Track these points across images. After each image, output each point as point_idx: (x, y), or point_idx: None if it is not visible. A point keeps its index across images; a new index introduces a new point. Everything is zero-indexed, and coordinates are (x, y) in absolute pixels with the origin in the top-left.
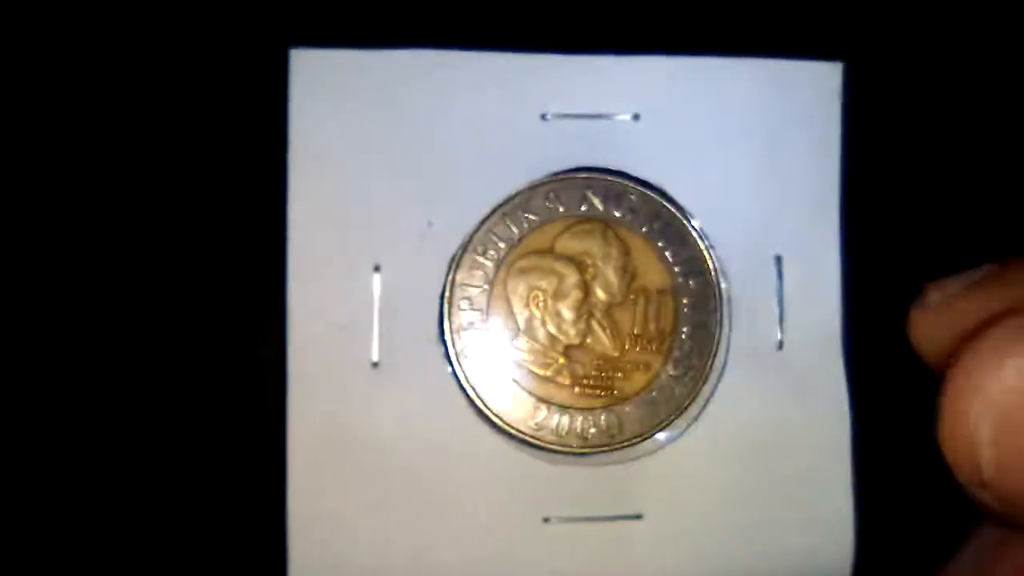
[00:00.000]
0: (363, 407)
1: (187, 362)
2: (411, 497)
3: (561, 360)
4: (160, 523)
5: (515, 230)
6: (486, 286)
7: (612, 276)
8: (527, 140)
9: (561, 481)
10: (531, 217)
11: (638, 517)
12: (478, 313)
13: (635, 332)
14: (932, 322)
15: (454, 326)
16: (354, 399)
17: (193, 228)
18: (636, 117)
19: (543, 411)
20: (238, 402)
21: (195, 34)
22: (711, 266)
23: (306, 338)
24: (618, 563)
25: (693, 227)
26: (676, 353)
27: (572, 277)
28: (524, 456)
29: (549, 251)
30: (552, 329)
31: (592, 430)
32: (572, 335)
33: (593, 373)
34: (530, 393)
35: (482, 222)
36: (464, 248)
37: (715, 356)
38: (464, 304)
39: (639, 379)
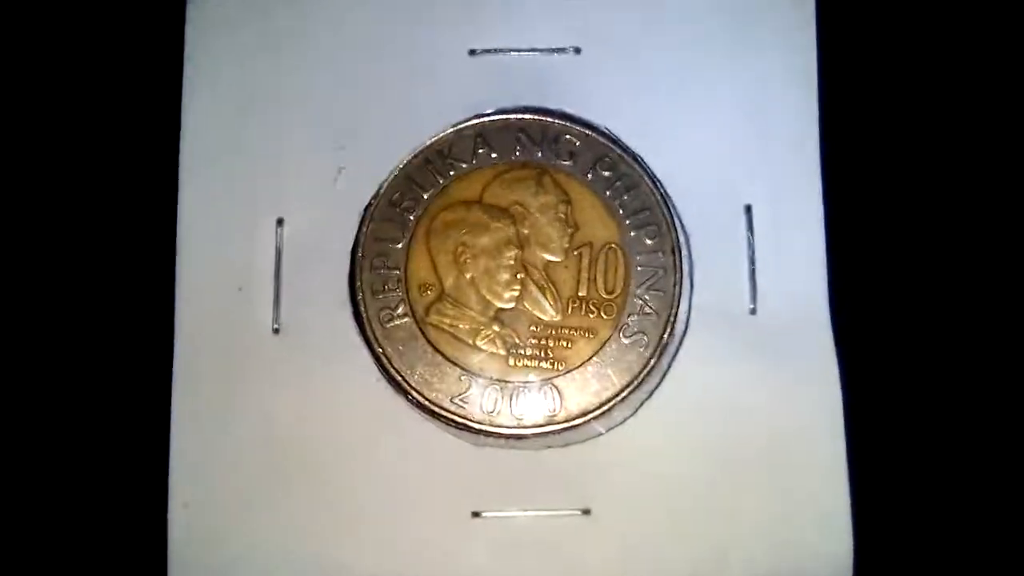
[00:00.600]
0: (262, 380)
1: (62, 330)
2: (316, 486)
3: (493, 326)
4: (27, 514)
5: (438, 178)
6: (404, 241)
7: (551, 229)
8: (452, 77)
9: (493, 469)
10: (457, 163)
11: (585, 512)
12: (395, 272)
13: (579, 294)
14: None
15: (367, 286)
16: (251, 371)
17: (75, 176)
18: (577, 51)
19: (470, 385)
20: (117, 376)
21: None
22: (667, 217)
23: (196, 302)
24: (561, 566)
25: (645, 172)
26: (627, 319)
27: (505, 231)
28: (449, 438)
29: (477, 202)
30: (482, 290)
31: (528, 408)
32: (505, 297)
33: (530, 341)
34: (455, 364)
35: (400, 168)
36: (378, 198)
37: (674, 322)
38: (379, 262)
39: (584, 348)
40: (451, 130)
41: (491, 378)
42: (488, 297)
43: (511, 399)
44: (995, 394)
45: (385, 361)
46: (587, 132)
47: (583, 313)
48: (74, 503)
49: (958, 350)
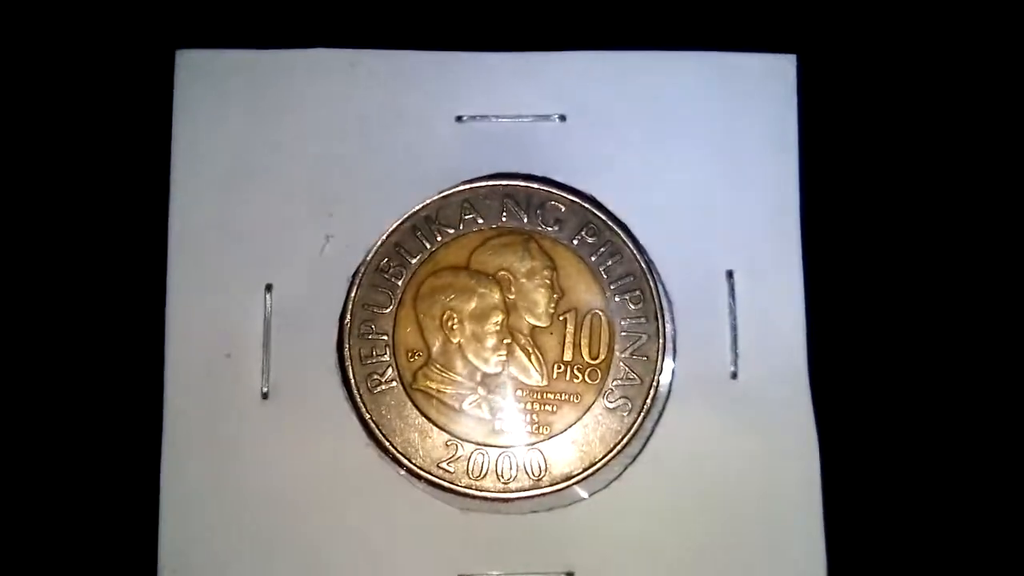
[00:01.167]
0: (250, 445)
1: (51, 395)
2: (304, 551)
3: (479, 391)
4: None
5: (425, 244)
6: (392, 307)
7: (537, 295)
8: (440, 144)
9: (478, 531)
10: (444, 229)
11: (569, 575)
12: (382, 337)
13: (564, 359)
14: None
15: (354, 352)
16: (240, 437)
17: (65, 244)
18: (562, 118)
19: (457, 449)
20: (107, 443)
21: (76, 36)
22: (651, 283)
23: (185, 367)
24: None
25: (629, 238)
26: (611, 383)
27: (491, 296)
28: (435, 502)
29: (464, 267)
30: (469, 355)
31: (513, 472)
32: (492, 362)
33: (515, 406)
34: (442, 428)
35: (387, 235)
36: (366, 264)
37: (657, 387)
38: (366, 327)
39: (568, 413)
40: (438, 196)
41: (477, 443)
42: (475, 362)
43: (497, 464)
44: (972, 464)
45: (373, 427)
46: (572, 199)
47: (568, 378)
48: (63, 570)
49: (937, 419)
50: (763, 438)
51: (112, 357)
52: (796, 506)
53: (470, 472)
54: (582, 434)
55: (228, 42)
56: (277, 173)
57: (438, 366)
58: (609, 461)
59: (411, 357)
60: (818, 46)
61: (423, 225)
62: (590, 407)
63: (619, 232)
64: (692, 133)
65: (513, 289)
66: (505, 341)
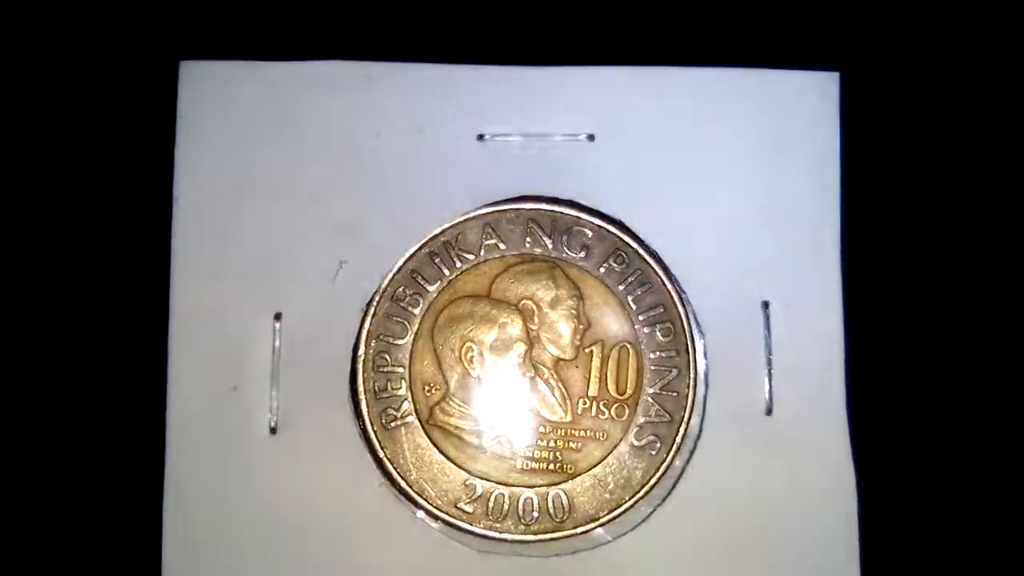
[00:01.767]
0: (257, 484)
1: (52, 427)
2: None
3: (499, 427)
4: None
5: (444, 270)
6: (408, 338)
7: (561, 326)
8: (461, 164)
9: (497, 575)
10: (464, 255)
11: None
12: (398, 370)
13: (589, 393)
14: None
15: (368, 386)
16: (246, 474)
17: (68, 270)
18: (591, 138)
19: (475, 488)
20: (109, 480)
21: (79, 45)
22: (682, 314)
23: (189, 401)
24: None
25: (660, 267)
26: (639, 420)
27: (514, 327)
28: (452, 543)
29: (485, 296)
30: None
31: (535, 513)
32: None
33: (538, 443)
34: (460, 467)
35: (404, 261)
36: (381, 292)
37: (687, 424)
38: (380, 360)
39: (594, 451)
40: (458, 220)
41: (497, 482)
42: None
43: (518, 504)
44: (1018, 510)
45: (388, 464)
46: (600, 224)
47: (594, 414)
48: None
49: (983, 463)
50: (799, 478)
51: (111, 388)
52: (833, 551)
53: (489, 513)
54: (608, 474)
55: (237, 53)
56: (287, 193)
57: (457, 400)
58: (636, 503)
59: (428, 391)
60: (863, 62)
61: (442, 250)
62: (616, 445)
63: (649, 260)
64: (728, 155)
65: (536, 319)
66: (528, 374)
